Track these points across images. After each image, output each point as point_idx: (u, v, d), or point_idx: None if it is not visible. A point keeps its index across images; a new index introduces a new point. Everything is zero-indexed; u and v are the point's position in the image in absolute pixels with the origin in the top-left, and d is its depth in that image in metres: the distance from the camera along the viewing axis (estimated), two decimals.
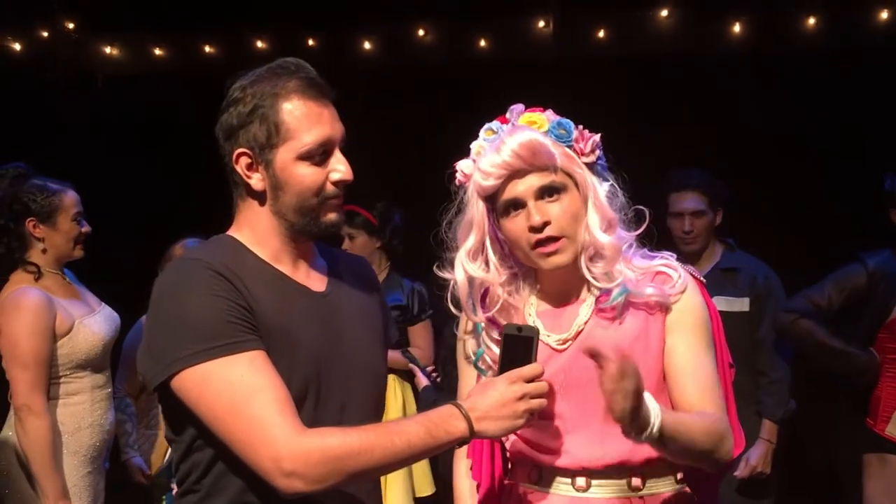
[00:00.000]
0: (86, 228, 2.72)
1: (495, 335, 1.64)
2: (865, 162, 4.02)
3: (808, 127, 4.20)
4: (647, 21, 4.48)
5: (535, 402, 1.46)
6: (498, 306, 1.63)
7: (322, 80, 1.52)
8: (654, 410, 1.42)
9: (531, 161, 1.54)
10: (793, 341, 3.13)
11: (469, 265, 1.61)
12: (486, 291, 1.65)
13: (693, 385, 1.56)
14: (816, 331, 3.01)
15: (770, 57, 4.34)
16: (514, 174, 1.55)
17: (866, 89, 4.07)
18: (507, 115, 1.63)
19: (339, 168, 1.50)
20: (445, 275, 1.66)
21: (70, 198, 2.69)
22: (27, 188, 2.62)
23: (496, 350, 1.62)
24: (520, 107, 1.63)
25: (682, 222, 3.20)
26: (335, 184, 1.50)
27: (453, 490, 1.82)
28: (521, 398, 1.45)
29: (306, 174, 1.48)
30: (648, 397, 1.42)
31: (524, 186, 1.55)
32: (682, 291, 1.59)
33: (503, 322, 1.63)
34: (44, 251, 2.64)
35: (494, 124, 1.62)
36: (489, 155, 1.55)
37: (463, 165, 1.63)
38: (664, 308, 1.58)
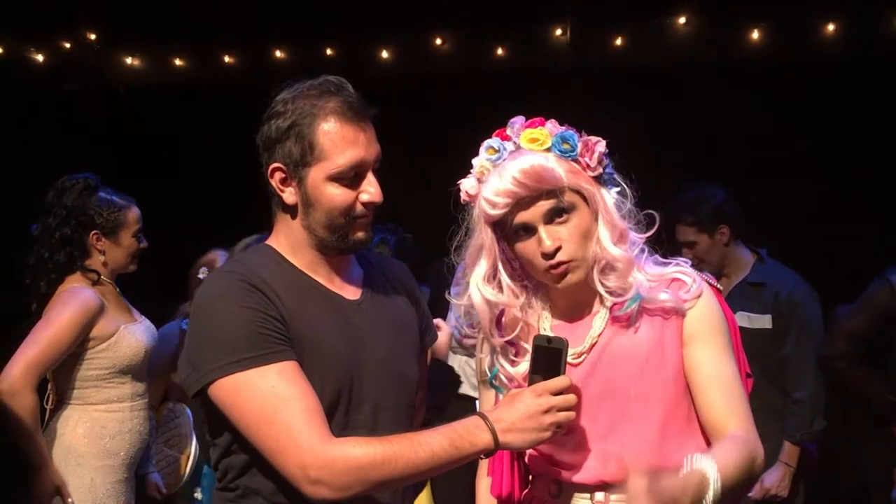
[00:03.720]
0: (143, 244, 2.81)
1: (511, 356, 1.63)
2: (889, 169, 4.00)
3: (827, 134, 4.17)
4: (665, 28, 4.47)
5: (562, 415, 1.46)
6: (517, 331, 1.62)
7: (362, 100, 1.55)
8: (712, 473, 1.36)
9: (536, 187, 1.51)
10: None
11: (485, 289, 1.60)
12: (501, 314, 1.64)
13: (720, 398, 1.53)
14: (863, 382, 3.01)
15: (789, 63, 4.31)
16: (521, 200, 1.52)
17: (886, 95, 4.04)
18: (508, 131, 1.59)
19: (370, 190, 1.53)
20: (460, 302, 1.64)
21: (134, 214, 2.77)
22: (95, 201, 2.70)
23: (510, 369, 1.62)
24: (520, 120, 1.58)
25: (683, 252, 3.09)
26: (364, 204, 1.54)
27: None
28: (548, 411, 1.45)
29: (336, 194, 1.52)
30: (700, 458, 1.37)
31: (532, 211, 1.52)
32: (698, 296, 1.56)
33: (521, 343, 1.62)
34: (103, 263, 2.72)
35: (495, 142, 1.57)
36: (493, 181, 1.52)
37: (467, 185, 1.59)
38: (679, 313, 1.56)
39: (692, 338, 1.56)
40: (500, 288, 1.61)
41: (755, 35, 4.37)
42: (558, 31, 4.57)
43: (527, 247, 1.55)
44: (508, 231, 1.56)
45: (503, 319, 1.63)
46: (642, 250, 1.60)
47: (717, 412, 1.53)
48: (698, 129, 4.27)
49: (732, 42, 4.40)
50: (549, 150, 1.54)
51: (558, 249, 1.52)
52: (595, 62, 4.53)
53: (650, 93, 4.28)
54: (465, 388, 3.40)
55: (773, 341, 3.07)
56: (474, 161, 1.59)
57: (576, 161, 1.55)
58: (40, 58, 5.05)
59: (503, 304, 1.61)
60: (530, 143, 1.54)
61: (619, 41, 4.52)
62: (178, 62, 5.03)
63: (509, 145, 1.56)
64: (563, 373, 1.48)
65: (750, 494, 3.01)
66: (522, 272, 1.63)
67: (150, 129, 4.86)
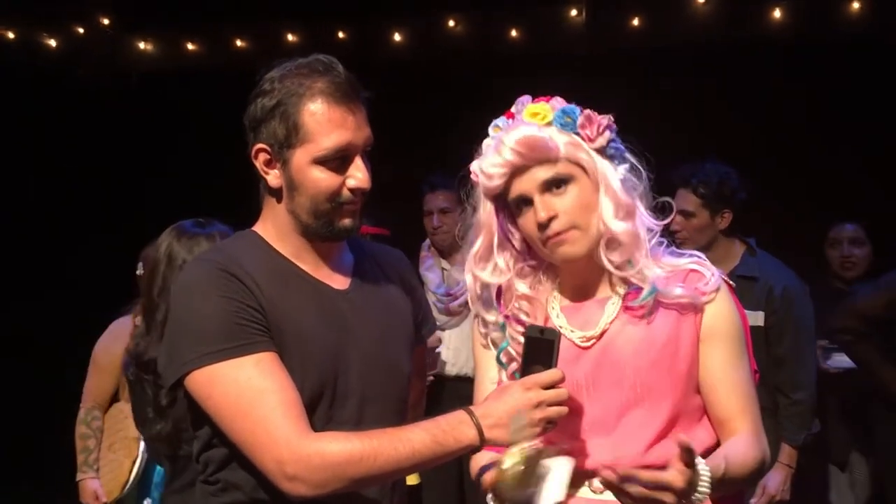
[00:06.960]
0: None
1: (520, 328, 1.58)
2: None
3: (849, 114, 4.10)
4: (683, 8, 4.39)
5: (553, 411, 1.40)
6: (513, 305, 1.58)
7: (353, 81, 1.49)
8: (705, 475, 1.36)
9: (531, 156, 1.49)
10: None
11: (475, 269, 1.58)
12: (499, 291, 1.60)
13: (731, 399, 1.54)
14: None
15: (811, 42, 4.23)
16: (518, 170, 1.50)
17: None
18: (514, 109, 1.57)
19: (357, 175, 1.47)
20: (459, 277, 1.63)
21: None
22: None
23: (522, 339, 1.56)
24: (526, 98, 1.56)
25: (675, 221, 2.87)
26: (351, 190, 1.48)
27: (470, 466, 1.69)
28: (538, 406, 1.38)
29: (321, 178, 1.46)
30: (699, 461, 1.36)
31: (528, 181, 1.50)
32: (716, 290, 1.53)
33: (525, 318, 1.58)
34: None
35: (501, 120, 1.57)
36: (490, 155, 1.52)
37: (474, 166, 1.57)
38: (696, 309, 1.53)
39: (710, 337, 1.53)
40: (495, 268, 1.58)
41: (776, 14, 4.28)
42: (573, 12, 4.50)
43: (527, 220, 1.53)
44: (510, 206, 1.54)
45: (502, 298, 1.59)
46: (660, 243, 1.56)
47: (727, 412, 1.53)
48: (717, 111, 4.21)
49: (752, 21, 4.31)
50: (549, 123, 1.51)
51: (552, 219, 1.49)
52: (611, 43, 4.46)
53: (667, 74, 4.22)
54: None
55: (764, 340, 2.92)
56: (484, 143, 1.58)
57: (577, 133, 1.52)
58: (53, 44, 5.04)
59: (492, 283, 1.58)
60: (531, 116, 1.53)
61: (636, 21, 4.45)
62: (190, 46, 5.01)
63: (512, 122, 1.55)
64: (555, 365, 1.41)
65: (752, 501, 2.95)
66: (530, 252, 1.60)
67: (162, 114, 4.85)
